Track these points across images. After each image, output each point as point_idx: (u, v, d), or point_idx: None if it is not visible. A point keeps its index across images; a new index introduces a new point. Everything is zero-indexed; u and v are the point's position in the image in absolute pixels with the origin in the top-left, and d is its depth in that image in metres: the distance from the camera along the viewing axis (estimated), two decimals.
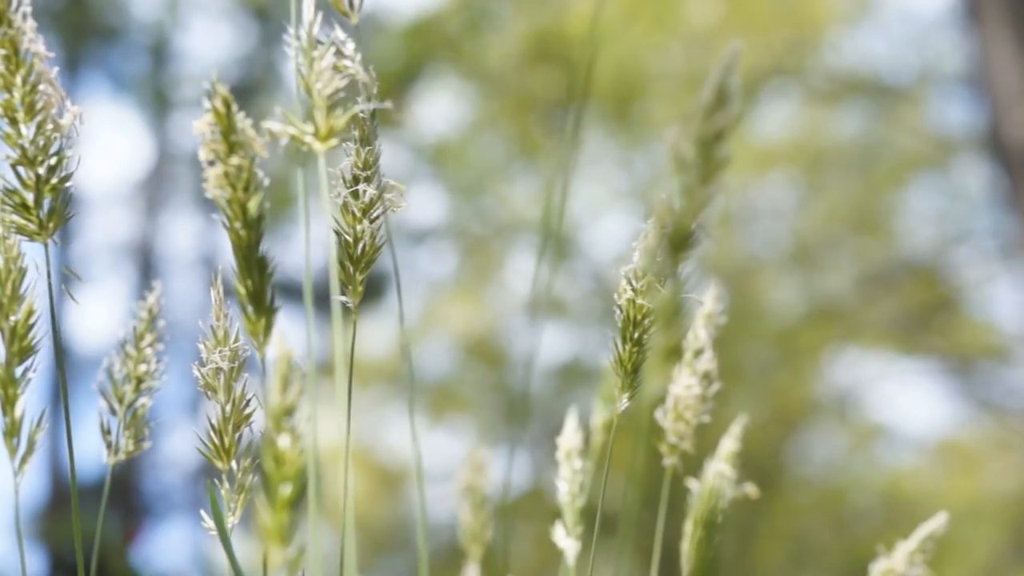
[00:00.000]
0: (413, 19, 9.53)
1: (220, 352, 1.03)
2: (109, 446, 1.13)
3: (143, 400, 1.15)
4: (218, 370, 1.03)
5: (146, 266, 9.88)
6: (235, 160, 0.91)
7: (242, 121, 0.91)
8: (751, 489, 1.23)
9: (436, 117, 9.90)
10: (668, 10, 9.11)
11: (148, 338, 1.17)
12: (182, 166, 10.20)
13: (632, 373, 1.04)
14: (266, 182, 0.92)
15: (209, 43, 13.50)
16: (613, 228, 9.90)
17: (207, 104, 0.91)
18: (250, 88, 9.26)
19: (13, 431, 1.00)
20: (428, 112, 9.67)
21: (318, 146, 0.92)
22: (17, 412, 1.00)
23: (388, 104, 0.95)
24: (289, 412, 0.77)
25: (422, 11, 9.61)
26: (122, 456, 1.13)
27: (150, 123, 10.15)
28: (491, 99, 9.90)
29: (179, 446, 9.63)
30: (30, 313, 1.01)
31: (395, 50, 9.15)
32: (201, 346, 1.04)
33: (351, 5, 0.98)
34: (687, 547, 1.17)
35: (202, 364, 1.03)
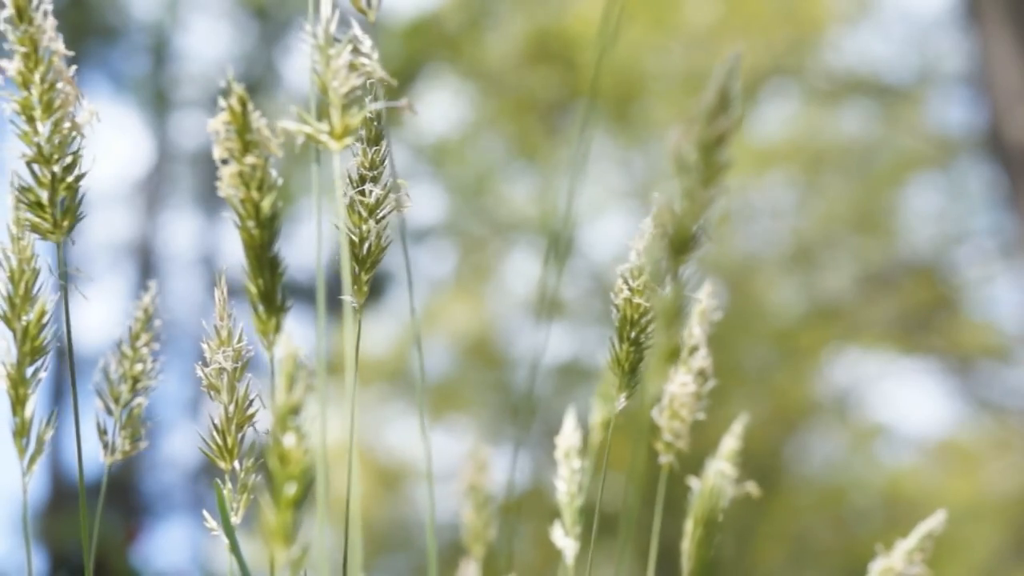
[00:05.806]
0: (412, 18, 9.52)
1: (224, 352, 1.03)
2: (106, 446, 1.13)
3: (139, 400, 1.15)
4: (221, 370, 1.03)
5: (146, 266, 9.88)
6: (250, 159, 0.91)
7: (257, 120, 0.91)
8: (752, 488, 1.23)
9: (436, 117, 9.90)
10: (667, 10, 9.10)
11: (144, 337, 1.17)
12: (182, 166, 10.20)
13: (630, 373, 1.04)
14: (279, 181, 0.92)
15: (209, 43, 13.50)
16: (612, 228, 9.90)
17: (222, 102, 0.91)
18: (249, 87, 9.25)
19: (23, 431, 1.00)
20: (428, 112, 9.66)
21: (333, 145, 0.92)
22: (27, 412, 1.00)
23: (404, 102, 0.95)
24: (295, 411, 0.77)
25: (421, 10, 9.61)
26: (119, 456, 1.13)
27: (150, 123, 10.15)
28: (491, 99, 9.89)
29: (179, 446, 9.64)
30: (42, 314, 1.01)
31: (394, 49, 9.14)
32: (204, 346, 1.04)
33: (368, 2, 0.98)
34: (687, 546, 1.17)
35: (205, 364, 1.03)
